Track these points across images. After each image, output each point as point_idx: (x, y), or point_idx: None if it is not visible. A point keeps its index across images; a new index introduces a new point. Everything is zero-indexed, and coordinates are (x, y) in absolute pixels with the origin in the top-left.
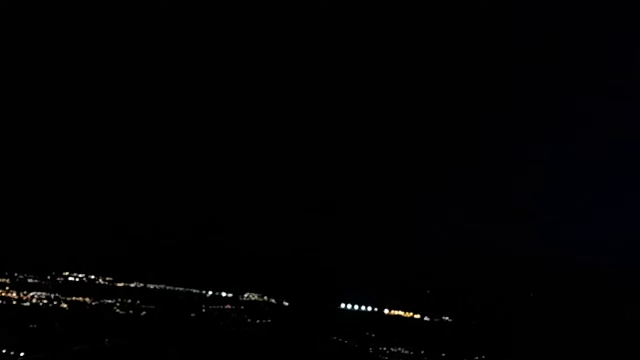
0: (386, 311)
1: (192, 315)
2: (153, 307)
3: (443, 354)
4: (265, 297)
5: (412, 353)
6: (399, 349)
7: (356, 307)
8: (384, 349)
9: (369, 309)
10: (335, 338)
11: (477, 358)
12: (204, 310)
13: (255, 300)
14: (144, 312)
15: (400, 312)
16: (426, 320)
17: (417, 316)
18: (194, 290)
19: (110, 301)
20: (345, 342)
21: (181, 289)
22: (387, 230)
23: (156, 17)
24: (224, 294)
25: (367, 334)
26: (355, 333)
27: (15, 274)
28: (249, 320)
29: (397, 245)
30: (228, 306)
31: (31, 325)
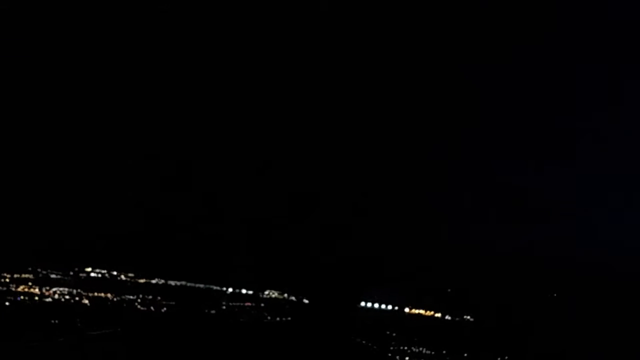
0: (407, 310)
1: (212, 312)
2: (173, 303)
3: (465, 354)
4: (286, 295)
5: (433, 353)
6: (421, 348)
7: (376, 305)
8: (405, 348)
9: (389, 307)
10: (354, 338)
11: (499, 359)
12: (224, 307)
13: (275, 298)
14: (164, 309)
15: (421, 311)
16: (448, 319)
17: (439, 315)
18: (214, 287)
19: (131, 297)
20: (364, 342)
21: (201, 285)
22: (397, 229)
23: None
24: (244, 291)
25: (388, 332)
26: (376, 332)
27: (39, 270)
28: (269, 317)
29: (407, 244)
30: (248, 304)
31: (52, 321)
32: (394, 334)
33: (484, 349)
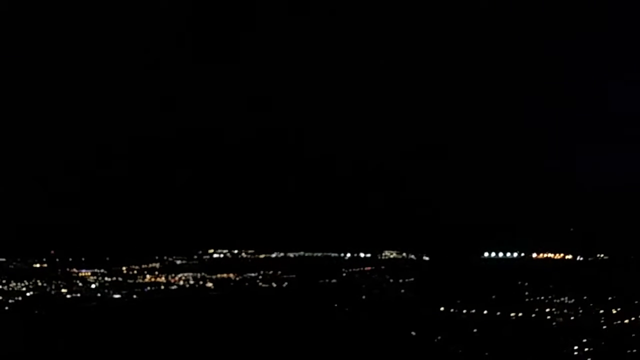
0: (534, 255)
1: (333, 281)
2: (294, 276)
3: (610, 297)
4: (405, 254)
5: (573, 301)
6: (562, 298)
7: (501, 254)
8: (542, 298)
9: (515, 254)
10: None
11: None
12: (344, 274)
13: (394, 258)
14: (285, 283)
15: (550, 254)
16: (580, 260)
17: (569, 257)
18: (333, 254)
19: (253, 274)
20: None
21: (319, 254)
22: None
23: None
24: (362, 255)
25: (519, 283)
26: (506, 284)
27: (165, 257)
28: (391, 280)
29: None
30: (368, 268)
31: (177, 308)
32: (526, 284)
33: (629, 290)
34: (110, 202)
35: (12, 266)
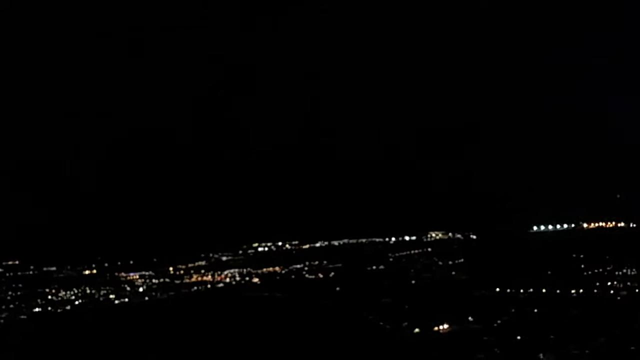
0: (585, 225)
1: (381, 267)
2: (340, 265)
3: None
4: (451, 234)
5: (635, 272)
6: (623, 270)
7: (550, 226)
8: (601, 270)
9: (565, 226)
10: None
11: None
12: (391, 259)
13: (440, 239)
14: (332, 273)
15: (601, 223)
16: (633, 227)
17: (622, 224)
18: (377, 239)
19: (298, 266)
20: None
21: (364, 240)
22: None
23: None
24: (407, 238)
25: (574, 255)
26: (560, 258)
27: (210, 255)
28: (440, 262)
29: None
30: (415, 251)
31: (222, 307)
32: (582, 256)
33: None
34: (155, 203)
35: (61, 274)
